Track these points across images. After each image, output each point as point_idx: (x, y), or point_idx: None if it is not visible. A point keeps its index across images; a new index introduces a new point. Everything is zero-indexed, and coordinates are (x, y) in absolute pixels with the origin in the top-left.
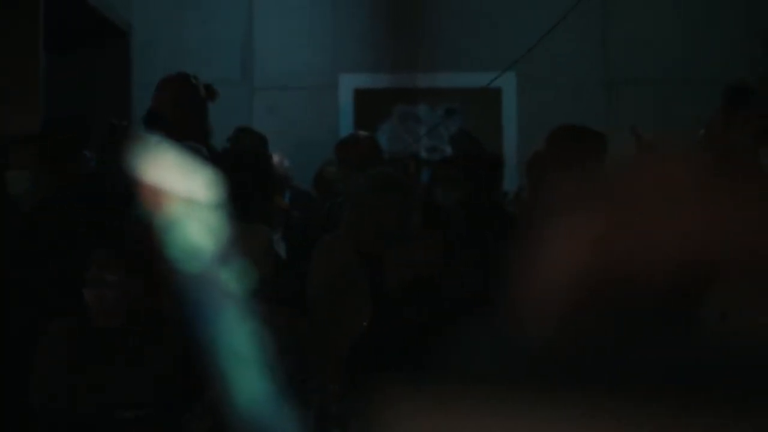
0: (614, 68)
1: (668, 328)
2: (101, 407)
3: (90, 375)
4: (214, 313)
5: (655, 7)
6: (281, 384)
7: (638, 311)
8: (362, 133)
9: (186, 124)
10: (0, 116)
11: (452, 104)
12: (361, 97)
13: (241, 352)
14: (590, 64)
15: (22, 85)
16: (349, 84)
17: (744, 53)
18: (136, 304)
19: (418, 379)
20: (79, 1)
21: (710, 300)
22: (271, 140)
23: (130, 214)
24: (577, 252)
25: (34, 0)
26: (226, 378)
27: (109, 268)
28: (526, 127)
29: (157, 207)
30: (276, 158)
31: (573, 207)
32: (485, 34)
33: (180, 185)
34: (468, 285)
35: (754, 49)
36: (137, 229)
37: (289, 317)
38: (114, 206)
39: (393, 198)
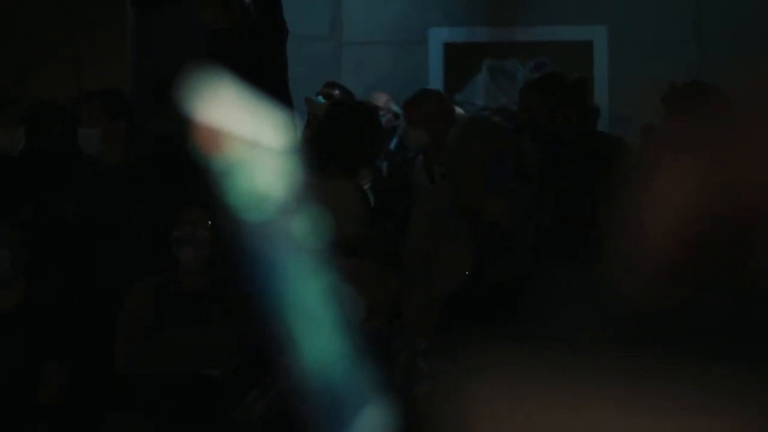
0: (705, 22)
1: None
2: (186, 365)
3: (175, 333)
4: (281, 267)
5: None
6: (361, 344)
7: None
8: (431, 89)
9: None
10: (88, 74)
11: (542, 58)
12: (451, 51)
13: (313, 311)
14: (681, 18)
15: (110, 43)
16: (438, 38)
17: None
18: (224, 262)
19: (508, 336)
20: None
21: None
22: (360, 96)
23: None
24: (683, 195)
25: None
26: (297, 339)
27: (200, 226)
28: (617, 80)
29: (214, 149)
30: (383, 98)
31: (680, 152)
32: None
33: (241, 125)
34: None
35: None
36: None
37: (377, 272)
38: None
39: (488, 142)
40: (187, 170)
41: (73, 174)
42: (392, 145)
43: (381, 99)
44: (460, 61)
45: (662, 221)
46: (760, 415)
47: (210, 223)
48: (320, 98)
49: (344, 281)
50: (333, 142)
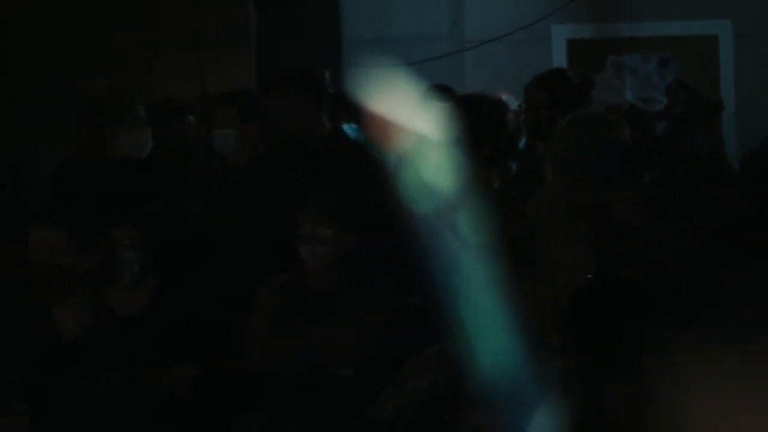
0: None
1: None
2: (315, 365)
3: (302, 332)
4: (452, 259)
5: None
6: (523, 339)
7: None
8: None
9: None
10: (213, 74)
11: (666, 54)
12: (574, 48)
13: (482, 303)
14: None
15: (234, 42)
16: (561, 35)
17: None
18: (351, 259)
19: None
20: None
21: None
22: None
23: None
24: None
25: None
26: (466, 330)
27: (320, 224)
28: (744, 76)
29: (386, 141)
30: (504, 98)
31: None
32: None
33: (412, 119)
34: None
35: None
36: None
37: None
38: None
39: (591, 137)
40: (310, 168)
41: (200, 174)
42: (521, 144)
43: (503, 98)
44: (584, 57)
45: None
46: None
47: (331, 221)
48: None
49: (500, 275)
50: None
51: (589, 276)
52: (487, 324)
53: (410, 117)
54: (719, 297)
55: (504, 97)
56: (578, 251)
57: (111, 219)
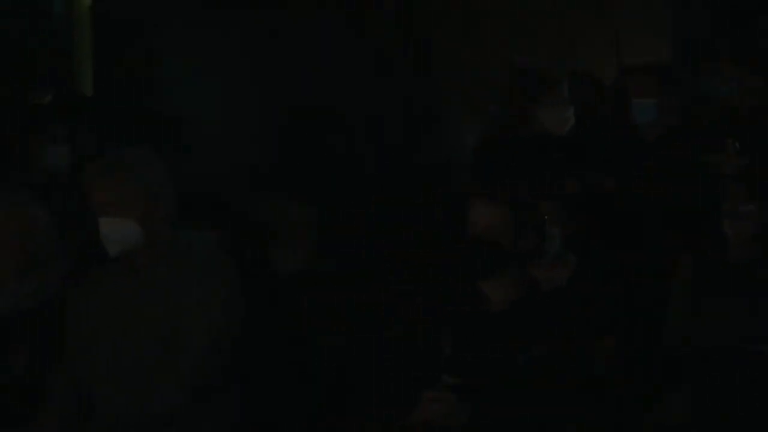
0: None
1: None
2: (739, 340)
3: (726, 307)
4: None
5: None
6: None
7: None
8: None
9: None
10: (630, 46)
11: None
12: None
13: None
14: None
15: (650, 14)
16: None
17: None
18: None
19: None
20: None
21: None
22: None
23: None
24: None
25: None
26: None
27: (744, 197)
28: None
29: None
30: None
31: None
32: None
33: None
34: None
35: None
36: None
37: None
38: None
39: None
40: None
41: (618, 147)
42: None
43: None
44: None
45: None
46: None
47: (755, 195)
48: None
49: None
50: None
51: None
52: None
53: None
54: None
55: None
56: None
57: (534, 196)
